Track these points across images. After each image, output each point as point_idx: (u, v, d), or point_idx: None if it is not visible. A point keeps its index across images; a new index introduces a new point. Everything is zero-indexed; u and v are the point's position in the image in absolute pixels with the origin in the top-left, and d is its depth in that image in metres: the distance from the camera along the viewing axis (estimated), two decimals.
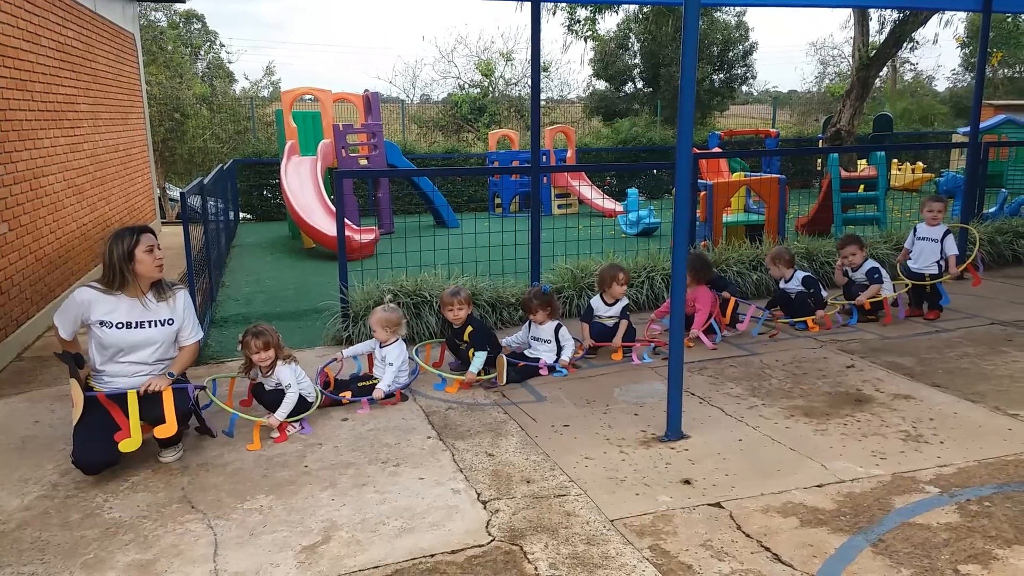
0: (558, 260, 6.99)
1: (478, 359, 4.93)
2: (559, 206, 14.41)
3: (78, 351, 3.95)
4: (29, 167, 6.53)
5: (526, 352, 5.30)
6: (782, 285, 6.31)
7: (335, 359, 4.91)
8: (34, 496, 3.58)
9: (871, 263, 6.34)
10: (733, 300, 6.00)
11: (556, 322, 5.28)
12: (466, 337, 5.04)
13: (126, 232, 3.83)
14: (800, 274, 6.25)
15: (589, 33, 15.48)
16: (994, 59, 24.30)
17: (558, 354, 5.23)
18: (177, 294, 4.02)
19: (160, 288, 3.95)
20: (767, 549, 3.02)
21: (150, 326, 3.88)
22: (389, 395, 4.66)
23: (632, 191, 11.97)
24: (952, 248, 6.39)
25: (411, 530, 3.21)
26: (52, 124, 7.29)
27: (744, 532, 3.15)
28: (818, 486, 3.52)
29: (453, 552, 3.04)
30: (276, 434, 4.17)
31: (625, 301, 5.61)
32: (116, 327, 3.81)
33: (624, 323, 5.50)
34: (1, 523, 3.34)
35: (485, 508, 3.38)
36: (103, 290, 3.84)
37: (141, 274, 3.83)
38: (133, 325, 3.84)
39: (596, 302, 5.67)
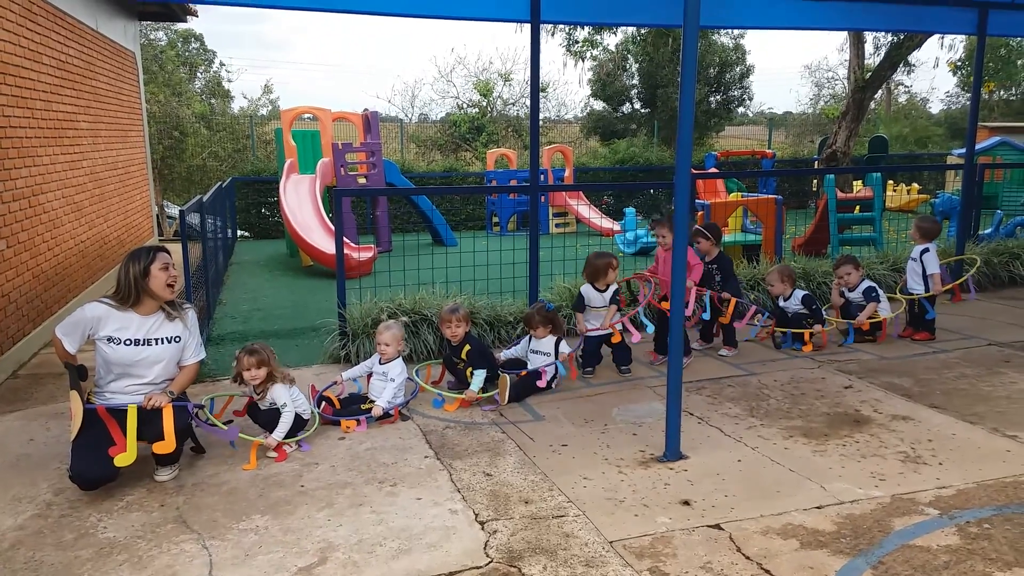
0: (556, 279, 7.00)
1: (478, 377, 4.91)
2: (557, 225, 14.46)
3: (82, 364, 3.94)
4: (28, 184, 6.53)
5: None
6: (781, 303, 6.31)
7: (335, 383, 4.89)
8: (28, 515, 3.55)
9: (868, 282, 6.35)
10: (734, 300, 5.96)
11: (557, 336, 5.29)
12: (463, 356, 5.04)
13: (143, 251, 3.92)
14: (800, 293, 6.26)
15: (589, 51, 15.63)
16: (986, 88, 24.53)
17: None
18: (187, 312, 4.07)
19: (171, 306, 3.98)
20: (767, 572, 3.00)
21: (158, 343, 3.90)
22: (387, 413, 4.64)
23: (630, 210, 12.02)
24: (932, 266, 6.30)
25: (408, 551, 3.19)
26: (52, 141, 7.30)
27: (744, 554, 3.13)
28: (818, 508, 3.51)
29: (451, 574, 3.01)
30: (274, 454, 4.15)
31: (615, 286, 5.65)
32: (124, 343, 3.82)
33: (613, 307, 5.59)
34: None
35: (483, 529, 3.36)
36: (115, 306, 3.86)
37: (154, 290, 3.87)
38: (141, 342, 3.86)
39: (587, 290, 5.64)
